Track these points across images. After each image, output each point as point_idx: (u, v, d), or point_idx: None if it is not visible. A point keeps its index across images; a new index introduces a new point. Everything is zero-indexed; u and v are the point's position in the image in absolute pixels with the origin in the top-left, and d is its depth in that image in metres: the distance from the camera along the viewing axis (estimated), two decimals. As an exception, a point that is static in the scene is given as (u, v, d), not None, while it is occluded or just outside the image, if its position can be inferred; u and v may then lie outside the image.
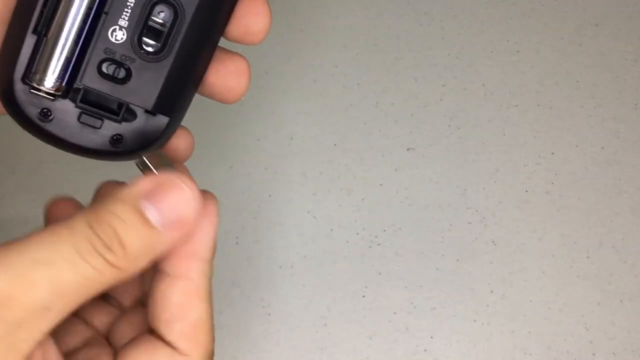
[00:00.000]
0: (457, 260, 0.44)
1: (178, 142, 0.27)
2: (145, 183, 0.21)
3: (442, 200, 0.46)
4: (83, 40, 0.23)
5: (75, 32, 0.22)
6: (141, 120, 0.24)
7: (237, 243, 0.44)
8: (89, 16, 0.22)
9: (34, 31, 0.23)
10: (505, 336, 0.42)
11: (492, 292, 0.43)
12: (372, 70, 0.49)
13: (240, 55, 0.27)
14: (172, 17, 0.23)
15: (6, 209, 0.45)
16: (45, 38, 0.23)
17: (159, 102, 0.24)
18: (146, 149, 0.25)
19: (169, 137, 0.25)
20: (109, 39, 0.23)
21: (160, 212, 0.21)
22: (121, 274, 0.21)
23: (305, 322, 0.42)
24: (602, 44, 0.51)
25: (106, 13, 0.23)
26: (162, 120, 0.24)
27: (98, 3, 0.22)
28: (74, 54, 0.23)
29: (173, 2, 0.23)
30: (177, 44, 0.23)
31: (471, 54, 0.50)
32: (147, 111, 0.24)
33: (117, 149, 0.25)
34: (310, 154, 0.47)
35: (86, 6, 0.22)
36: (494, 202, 0.46)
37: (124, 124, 0.24)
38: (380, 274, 0.44)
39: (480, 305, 0.43)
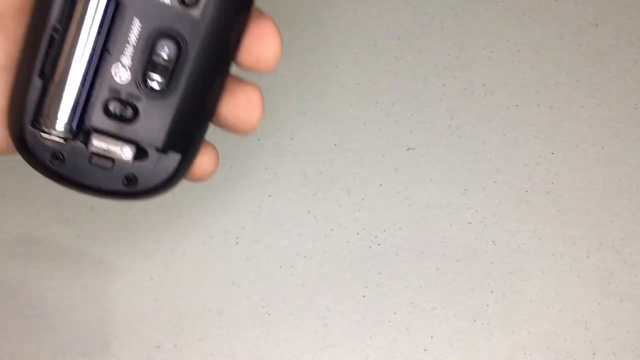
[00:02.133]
0: (457, 260, 0.44)
1: (202, 159, 0.26)
2: None
3: (442, 200, 0.46)
4: (89, 81, 0.22)
5: (81, 73, 0.22)
6: (153, 159, 0.24)
7: (237, 243, 0.44)
8: (93, 56, 0.22)
9: (40, 74, 0.23)
10: (505, 336, 0.42)
11: (492, 292, 0.43)
12: (372, 70, 0.49)
13: (252, 85, 0.26)
14: (176, 52, 0.23)
15: None
16: (51, 81, 0.22)
17: (169, 140, 0.23)
18: (161, 187, 0.24)
19: (183, 174, 0.25)
20: (112, 78, 0.23)
21: None
22: None
23: (305, 322, 0.42)
24: (602, 44, 0.51)
25: (109, 52, 0.22)
26: (174, 157, 0.24)
27: (101, 43, 0.22)
28: (80, 96, 0.22)
29: (176, 36, 0.22)
30: (184, 79, 0.23)
31: (471, 54, 0.50)
32: (158, 149, 0.24)
33: (131, 190, 0.24)
34: (310, 154, 0.47)
35: (90, 47, 0.22)
36: (494, 202, 0.46)
37: (136, 163, 0.24)
38: (380, 274, 0.44)
39: (480, 305, 0.43)
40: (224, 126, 0.26)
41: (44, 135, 0.23)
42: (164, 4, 0.22)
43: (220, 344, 0.42)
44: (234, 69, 0.25)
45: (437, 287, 0.43)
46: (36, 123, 0.23)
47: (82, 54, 0.22)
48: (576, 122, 0.48)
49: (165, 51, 0.22)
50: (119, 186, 0.24)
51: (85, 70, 0.22)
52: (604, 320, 0.43)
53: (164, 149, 0.24)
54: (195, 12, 0.22)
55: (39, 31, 0.22)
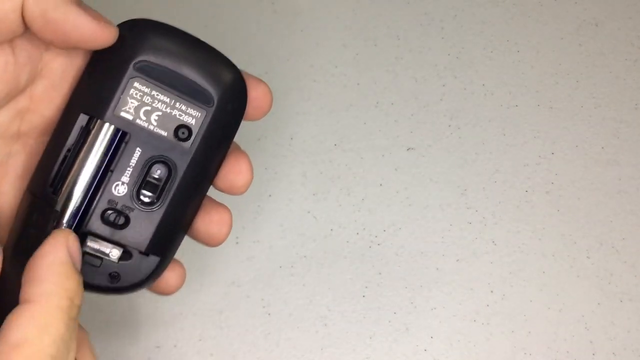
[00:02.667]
0: (457, 260, 0.44)
1: (170, 275, 0.31)
2: None
3: (442, 200, 0.46)
4: (91, 193, 0.27)
5: (85, 187, 0.27)
6: (136, 260, 0.28)
7: (237, 243, 0.44)
8: (98, 174, 0.27)
9: (51, 185, 0.27)
10: (505, 336, 0.42)
11: (492, 292, 0.43)
12: (372, 70, 0.49)
13: (224, 207, 0.31)
14: (166, 174, 0.28)
15: None
16: (59, 190, 0.27)
17: (152, 245, 0.28)
18: (141, 284, 0.29)
19: (159, 274, 0.29)
20: (112, 192, 0.27)
21: None
22: None
23: (305, 322, 0.42)
24: (602, 44, 0.51)
25: (112, 171, 0.27)
26: (154, 260, 0.28)
27: (106, 163, 0.27)
28: (82, 205, 0.27)
29: (168, 162, 0.28)
30: (170, 196, 0.28)
31: (471, 54, 0.50)
32: (141, 252, 0.28)
33: (114, 285, 0.28)
34: (310, 154, 0.47)
35: (94, 166, 0.27)
36: (494, 202, 0.46)
37: (120, 263, 0.28)
38: (380, 274, 0.44)
39: (480, 305, 0.43)
40: (196, 238, 0.31)
41: None
42: (162, 136, 0.27)
43: (220, 344, 0.42)
44: (211, 191, 0.31)
45: (437, 287, 0.43)
46: None
47: (87, 172, 0.27)
48: (576, 122, 0.48)
49: (158, 172, 0.28)
50: (104, 282, 0.28)
51: (87, 185, 0.27)
52: (604, 320, 0.43)
53: (146, 252, 0.28)
54: (186, 145, 0.28)
55: (56, 149, 0.27)
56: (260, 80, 0.30)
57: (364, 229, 0.45)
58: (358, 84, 0.49)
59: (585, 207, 0.46)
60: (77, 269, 0.25)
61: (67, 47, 0.26)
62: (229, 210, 0.31)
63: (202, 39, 0.29)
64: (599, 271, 0.44)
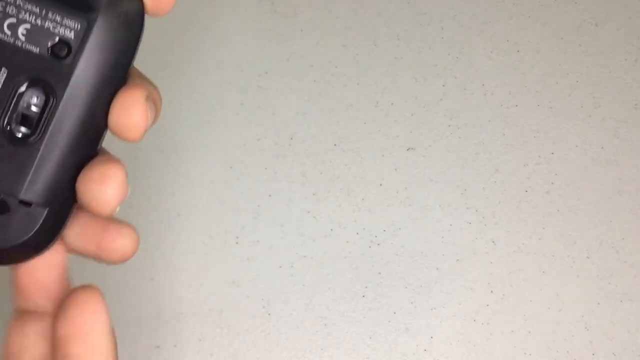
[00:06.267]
0: (457, 260, 0.44)
1: (122, 242, 0.25)
2: None
3: (442, 200, 0.46)
4: None
5: None
6: (15, 214, 0.22)
7: (237, 243, 0.44)
8: None
9: None
10: (505, 336, 0.42)
11: (492, 292, 0.43)
12: (372, 70, 0.49)
13: (115, 161, 0.23)
14: (43, 101, 0.22)
15: None
16: None
17: (32, 190, 0.22)
18: (24, 246, 0.23)
19: (54, 231, 0.23)
20: None
21: None
22: None
23: (305, 322, 0.42)
24: (602, 44, 0.51)
25: None
26: (40, 211, 0.22)
27: None
28: None
29: (43, 84, 0.22)
30: (50, 128, 0.22)
31: (471, 54, 0.50)
32: (21, 202, 0.22)
33: None
34: (310, 154, 0.47)
35: None
36: (494, 202, 0.46)
37: None
38: (380, 274, 0.44)
39: (480, 305, 0.43)
40: (82, 205, 0.24)
41: None
42: (34, 54, 0.22)
43: (220, 344, 0.42)
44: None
45: (437, 287, 0.43)
46: None
47: None
48: (576, 122, 0.48)
49: (31, 100, 0.22)
50: None
51: None
52: (604, 320, 0.42)
53: (26, 201, 0.22)
54: (65, 63, 0.22)
55: None
56: None
57: (364, 229, 0.45)
58: (358, 84, 0.49)
59: (585, 207, 0.46)
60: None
61: None
62: (119, 164, 0.23)
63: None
64: (599, 271, 0.44)
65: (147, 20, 0.24)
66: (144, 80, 0.24)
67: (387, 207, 0.45)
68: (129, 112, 0.23)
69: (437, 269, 0.44)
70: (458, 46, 0.50)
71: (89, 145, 0.23)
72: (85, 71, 0.22)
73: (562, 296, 0.43)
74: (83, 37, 0.22)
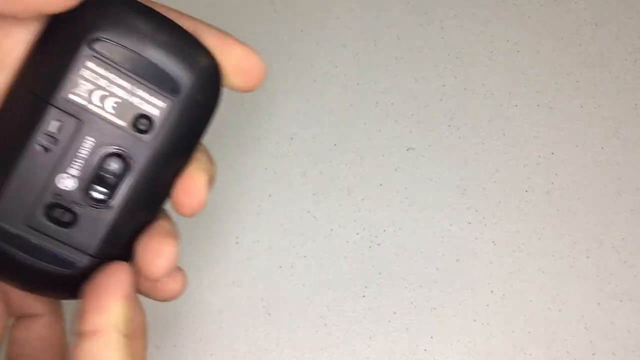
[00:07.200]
0: (457, 260, 0.44)
1: (174, 284, 0.28)
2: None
3: (442, 200, 0.46)
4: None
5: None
6: (84, 267, 0.25)
7: (237, 243, 0.44)
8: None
9: None
10: (505, 336, 0.42)
11: (492, 292, 0.43)
12: (372, 70, 0.49)
13: (172, 238, 0.26)
14: (122, 169, 0.24)
15: None
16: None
17: (102, 248, 0.25)
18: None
19: None
20: (59, 185, 0.24)
21: None
22: None
23: (305, 322, 0.42)
24: (602, 44, 0.51)
25: (59, 162, 0.24)
26: (100, 263, 0.25)
27: (57, 153, 0.24)
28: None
29: (124, 155, 0.24)
30: (125, 194, 0.25)
31: (471, 54, 0.50)
32: (91, 256, 0.25)
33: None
34: (310, 154, 0.47)
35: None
36: (494, 202, 0.46)
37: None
38: (380, 274, 0.44)
39: (480, 305, 0.43)
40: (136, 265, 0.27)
41: None
42: (119, 126, 0.24)
43: (220, 344, 0.42)
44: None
45: (437, 287, 0.43)
46: None
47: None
48: (576, 122, 0.48)
49: (111, 167, 0.24)
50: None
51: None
52: (604, 320, 0.43)
53: (96, 256, 0.25)
54: (147, 138, 0.24)
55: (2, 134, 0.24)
56: (249, 50, 0.26)
57: (364, 229, 0.45)
58: (358, 84, 0.49)
59: (585, 207, 0.46)
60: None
61: (25, 13, 0.23)
62: (174, 242, 0.26)
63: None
64: (599, 271, 0.44)
65: None
66: (205, 154, 0.27)
67: (387, 207, 0.45)
68: (190, 196, 0.26)
69: (437, 269, 0.44)
70: (458, 46, 0.50)
71: (153, 211, 0.26)
72: (162, 146, 0.25)
73: (562, 296, 0.43)
74: (166, 115, 0.24)
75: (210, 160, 0.27)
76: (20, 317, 0.28)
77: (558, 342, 0.42)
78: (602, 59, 0.50)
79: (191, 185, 0.26)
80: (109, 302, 0.24)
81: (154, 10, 0.24)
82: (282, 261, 0.44)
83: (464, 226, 0.45)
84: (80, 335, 0.24)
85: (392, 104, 0.48)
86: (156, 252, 0.25)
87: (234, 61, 0.26)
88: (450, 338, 0.42)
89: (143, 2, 0.24)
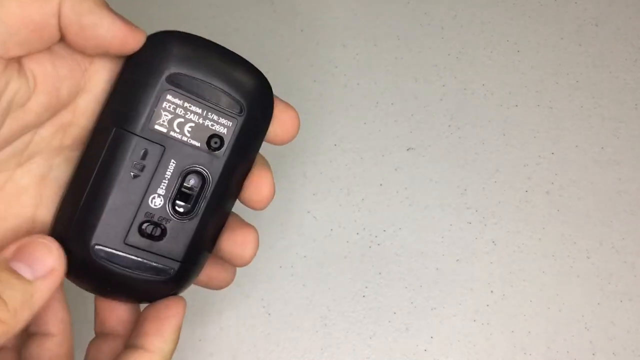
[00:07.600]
0: (457, 260, 0.44)
1: (225, 275, 0.33)
2: (10, 247, 0.25)
3: (442, 200, 0.46)
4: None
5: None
6: (174, 272, 0.29)
7: (237, 243, 0.44)
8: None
9: (83, 205, 0.28)
10: (505, 336, 0.42)
11: (492, 292, 0.43)
12: (372, 70, 0.49)
13: (251, 227, 0.31)
14: (200, 183, 0.28)
15: None
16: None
17: (188, 253, 0.29)
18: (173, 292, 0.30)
19: (192, 280, 0.30)
20: (149, 205, 0.28)
21: (30, 267, 0.25)
22: (7, 327, 0.24)
23: (305, 322, 0.42)
24: (602, 44, 0.51)
25: (149, 185, 0.28)
26: (188, 268, 0.29)
27: (142, 178, 0.28)
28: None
29: (202, 171, 0.28)
30: (204, 205, 0.29)
31: (471, 54, 0.50)
32: (180, 262, 0.29)
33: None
34: (310, 154, 0.47)
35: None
36: (494, 202, 0.46)
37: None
38: (380, 274, 0.44)
39: (480, 305, 0.43)
40: (222, 257, 0.31)
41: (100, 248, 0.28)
42: (196, 147, 0.28)
43: (221, 344, 0.42)
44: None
45: (437, 287, 0.43)
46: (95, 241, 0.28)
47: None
48: (576, 122, 0.48)
49: (190, 183, 0.28)
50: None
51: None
52: (604, 320, 0.43)
53: (183, 262, 0.29)
54: (219, 154, 0.28)
55: (90, 166, 0.27)
56: (289, 105, 0.31)
57: (364, 229, 0.45)
58: (358, 84, 0.49)
59: (585, 207, 0.46)
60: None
61: (97, 52, 0.27)
62: (254, 230, 0.31)
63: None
64: (599, 271, 0.44)
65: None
66: (260, 155, 0.31)
67: (387, 207, 0.45)
68: (263, 191, 0.30)
69: (437, 269, 0.44)
70: (458, 46, 0.50)
71: (227, 212, 0.30)
72: (232, 158, 0.29)
73: (562, 296, 0.43)
74: (233, 132, 0.28)
75: (264, 158, 0.32)
76: (32, 335, 0.29)
77: (558, 342, 0.42)
78: (602, 59, 0.50)
79: (261, 183, 0.30)
80: (166, 330, 0.28)
81: (213, 42, 0.28)
82: (282, 261, 0.44)
83: (464, 226, 0.45)
84: (132, 347, 0.27)
85: (392, 104, 0.48)
86: (242, 242, 0.31)
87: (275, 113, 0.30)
88: (450, 338, 0.42)
89: (200, 36, 0.28)
